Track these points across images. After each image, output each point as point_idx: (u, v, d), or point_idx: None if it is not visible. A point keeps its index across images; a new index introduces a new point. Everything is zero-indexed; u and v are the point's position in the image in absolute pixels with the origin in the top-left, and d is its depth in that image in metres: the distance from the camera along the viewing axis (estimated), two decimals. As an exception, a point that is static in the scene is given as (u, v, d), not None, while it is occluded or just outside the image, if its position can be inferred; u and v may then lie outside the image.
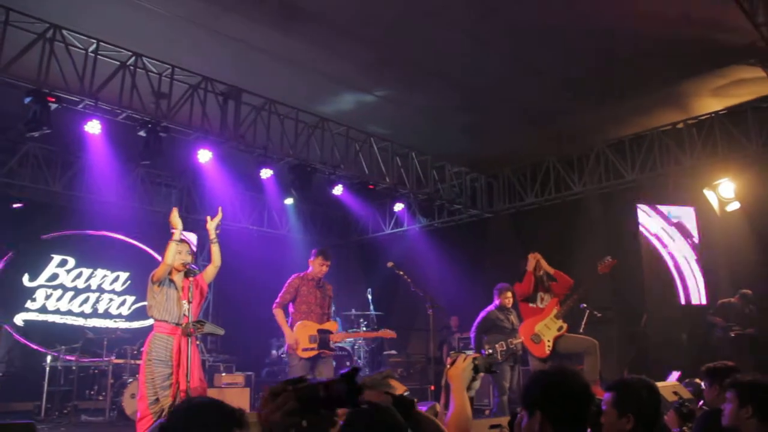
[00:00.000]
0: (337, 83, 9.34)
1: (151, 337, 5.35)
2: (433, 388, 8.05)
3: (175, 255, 5.38)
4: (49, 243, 11.01)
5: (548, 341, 7.07)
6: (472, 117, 10.32)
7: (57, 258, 11.11)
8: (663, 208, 10.64)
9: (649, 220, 10.59)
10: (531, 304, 7.34)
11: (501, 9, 7.40)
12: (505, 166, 12.49)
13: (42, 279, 10.93)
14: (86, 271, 11.47)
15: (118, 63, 8.11)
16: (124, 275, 11.87)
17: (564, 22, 7.62)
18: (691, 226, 10.68)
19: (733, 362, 4.48)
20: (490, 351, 7.63)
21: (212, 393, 7.51)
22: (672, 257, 10.58)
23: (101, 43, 7.84)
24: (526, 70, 8.81)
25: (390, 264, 7.55)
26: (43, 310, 10.86)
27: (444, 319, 12.08)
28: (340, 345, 9.87)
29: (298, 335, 6.66)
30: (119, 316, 11.70)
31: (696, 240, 10.61)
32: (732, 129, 9.71)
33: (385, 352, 11.79)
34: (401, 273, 7.48)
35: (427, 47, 8.26)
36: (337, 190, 10.75)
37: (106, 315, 11.58)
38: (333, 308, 7.26)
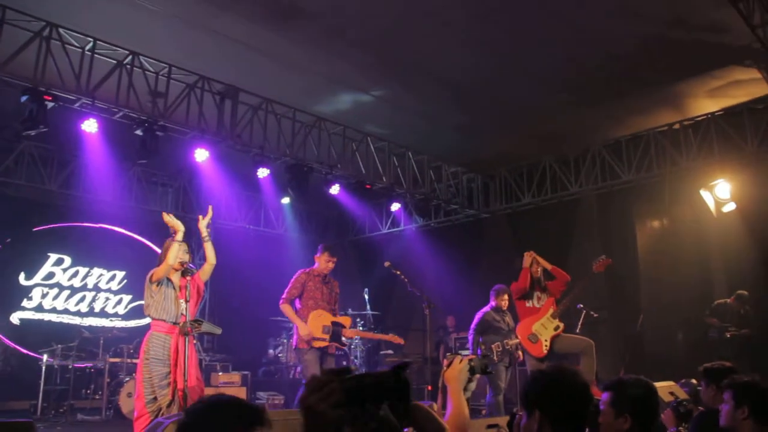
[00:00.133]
0: (334, 83, 9.33)
1: (149, 336, 5.35)
2: (430, 388, 8.06)
3: (177, 255, 5.38)
4: (45, 241, 10.99)
5: (545, 341, 7.08)
6: (469, 117, 10.32)
7: (53, 257, 11.10)
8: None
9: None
10: (528, 304, 7.35)
11: (498, 10, 7.40)
12: (502, 167, 12.50)
13: (38, 278, 10.92)
14: (82, 270, 11.46)
15: (115, 62, 8.10)
16: (120, 274, 11.86)
17: (561, 24, 7.62)
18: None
19: (730, 363, 4.49)
20: (487, 353, 7.65)
21: (209, 392, 7.50)
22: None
23: (98, 42, 7.82)
24: (523, 71, 8.82)
25: (387, 264, 7.55)
26: (39, 308, 10.84)
27: (440, 319, 12.09)
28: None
29: (312, 324, 6.62)
30: (115, 315, 11.68)
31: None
32: (728, 130, 9.74)
33: (381, 352, 11.81)
34: (398, 273, 7.47)
35: (425, 48, 8.26)
36: (334, 189, 10.75)
37: (103, 314, 11.57)
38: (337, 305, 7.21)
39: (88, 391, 9.56)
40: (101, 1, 7.31)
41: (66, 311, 11.16)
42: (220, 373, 9.89)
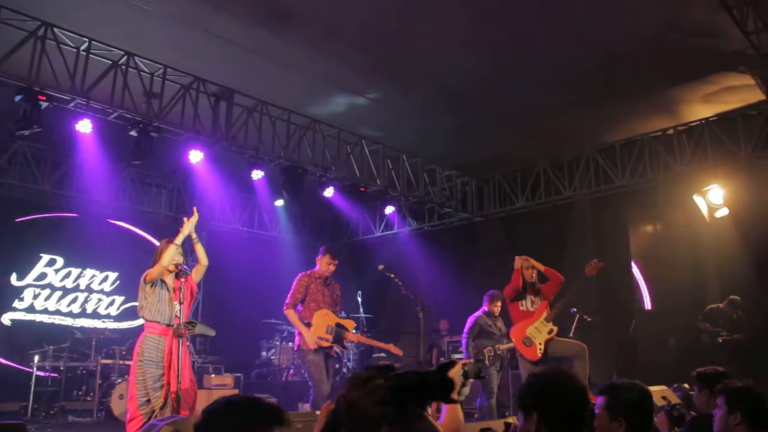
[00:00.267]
0: (329, 85, 9.33)
1: (143, 337, 5.33)
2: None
3: (172, 258, 5.37)
4: (37, 241, 10.92)
5: (540, 344, 7.08)
6: (463, 121, 10.33)
7: (45, 257, 11.04)
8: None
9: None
10: (521, 307, 7.33)
11: (493, 14, 7.42)
12: (496, 170, 12.53)
13: (30, 278, 10.85)
14: (75, 271, 11.40)
15: (110, 62, 8.07)
16: (113, 275, 11.80)
17: (555, 28, 7.65)
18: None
19: (722, 368, 4.50)
20: (480, 357, 7.66)
21: (201, 394, 7.47)
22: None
23: (93, 42, 7.80)
24: (517, 75, 8.84)
25: (381, 267, 7.53)
26: (30, 309, 10.77)
27: (433, 323, 12.09)
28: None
29: (317, 323, 6.55)
30: (108, 316, 11.61)
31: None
32: (722, 136, 9.79)
33: (374, 355, 11.78)
34: (392, 276, 7.44)
35: (421, 50, 8.27)
36: (328, 192, 10.75)
37: (95, 315, 11.51)
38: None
39: (80, 393, 9.50)
40: (96, 1, 7.28)
41: (58, 312, 11.10)
42: (213, 375, 9.84)
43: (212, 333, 5.76)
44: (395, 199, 11.92)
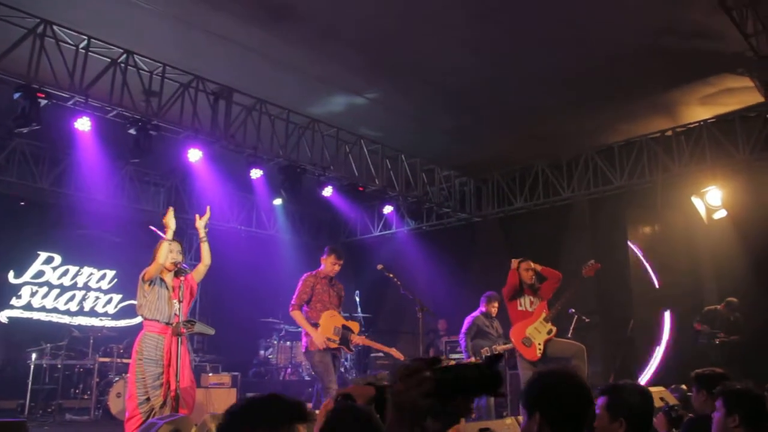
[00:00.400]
0: (328, 85, 9.33)
1: (142, 336, 5.33)
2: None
3: (167, 254, 5.37)
4: (35, 239, 10.90)
5: (539, 344, 7.08)
6: (462, 121, 10.34)
7: (43, 255, 11.02)
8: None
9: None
10: (519, 307, 7.33)
11: (492, 14, 7.42)
12: (495, 171, 12.53)
13: (27, 276, 10.83)
14: (73, 269, 11.39)
15: (109, 60, 8.06)
16: (110, 273, 11.80)
17: (555, 29, 7.65)
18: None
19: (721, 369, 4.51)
20: (478, 358, 7.66)
21: (199, 393, 7.48)
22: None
23: (92, 40, 7.78)
24: (517, 76, 8.84)
25: (380, 266, 7.51)
26: (28, 307, 10.75)
27: (431, 323, 12.08)
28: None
29: (324, 323, 6.54)
30: (105, 314, 11.61)
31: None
32: (720, 137, 9.80)
33: (372, 355, 11.79)
34: (391, 275, 7.43)
35: (419, 51, 8.26)
36: (327, 191, 10.75)
37: (92, 313, 11.50)
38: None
39: (77, 391, 9.50)
40: (96, -2, 7.28)
41: (55, 310, 11.08)
42: (210, 374, 9.83)
43: (211, 331, 5.77)
44: (394, 199, 11.93)
